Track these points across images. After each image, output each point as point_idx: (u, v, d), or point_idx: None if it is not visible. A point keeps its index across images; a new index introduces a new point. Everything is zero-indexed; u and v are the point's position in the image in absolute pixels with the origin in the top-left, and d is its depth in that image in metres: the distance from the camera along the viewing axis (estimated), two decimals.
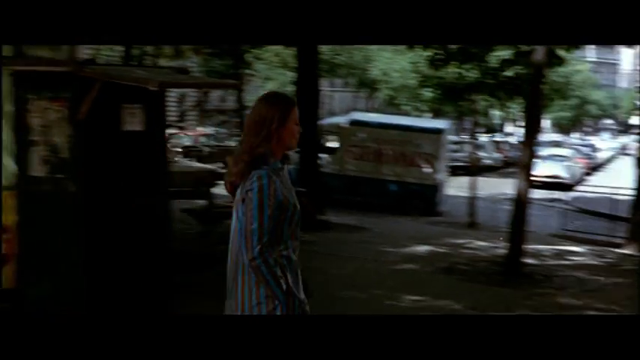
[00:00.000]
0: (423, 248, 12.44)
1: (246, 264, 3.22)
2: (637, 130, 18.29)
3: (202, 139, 30.54)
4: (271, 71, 42.26)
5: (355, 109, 44.75)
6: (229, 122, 49.04)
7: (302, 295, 3.38)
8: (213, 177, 15.64)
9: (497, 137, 47.84)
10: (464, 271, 10.52)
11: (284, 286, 3.24)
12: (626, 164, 37.39)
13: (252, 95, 42.83)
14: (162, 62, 20.11)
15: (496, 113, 50.12)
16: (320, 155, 16.45)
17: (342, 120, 21.72)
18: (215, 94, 48.89)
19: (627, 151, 52.47)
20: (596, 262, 12.40)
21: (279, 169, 3.34)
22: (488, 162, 35.96)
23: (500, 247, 11.24)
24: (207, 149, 28.10)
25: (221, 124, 50.44)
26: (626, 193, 16.09)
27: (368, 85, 47.99)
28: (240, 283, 3.30)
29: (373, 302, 8.18)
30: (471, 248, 13.02)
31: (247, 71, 34.01)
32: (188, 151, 26.26)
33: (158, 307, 6.52)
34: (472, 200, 17.66)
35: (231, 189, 3.35)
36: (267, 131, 3.29)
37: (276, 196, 3.22)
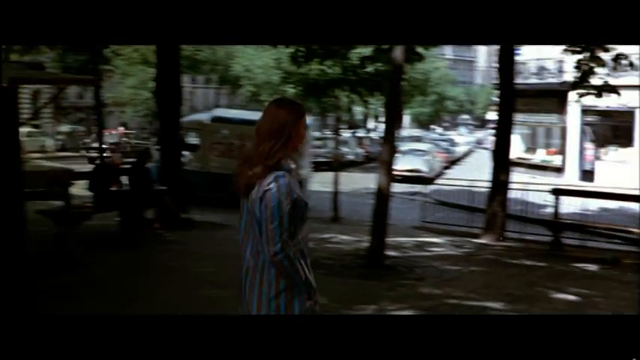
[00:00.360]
0: None
1: (267, 259, 3.42)
2: (492, 125, 18.99)
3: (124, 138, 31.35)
4: (131, 67, 41.30)
5: (218, 106, 44.31)
6: (87, 120, 47.52)
7: (315, 284, 3.61)
8: (68, 177, 15.07)
9: (360, 133, 48.75)
10: (328, 265, 10.57)
11: (303, 277, 3.50)
12: (482, 157, 38.98)
13: (110, 92, 41.98)
14: (14, 57, 19.22)
15: (358, 109, 51.04)
16: (182, 152, 16.16)
17: (204, 117, 21.47)
18: (72, 91, 47.22)
19: (483, 145, 54.71)
20: (455, 252, 12.79)
21: (290, 169, 3.55)
22: (350, 157, 36.58)
23: (364, 241, 11.38)
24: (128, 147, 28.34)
25: (78, 121, 48.81)
26: (483, 185, 16.70)
27: (231, 81, 47.77)
28: (259, 278, 3.51)
29: (235, 300, 8.06)
30: (334, 242, 13.13)
31: (106, 67, 33.06)
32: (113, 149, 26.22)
33: (16, 309, 6.19)
34: (335, 195, 17.85)
35: (246, 189, 3.52)
36: (286, 136, 3.50)
37: (291, 195, 3.43)
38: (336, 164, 19.45)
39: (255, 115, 18.92)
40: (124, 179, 13.10)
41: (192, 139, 19.75)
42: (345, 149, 33.92)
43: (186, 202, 14.71)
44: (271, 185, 3.40)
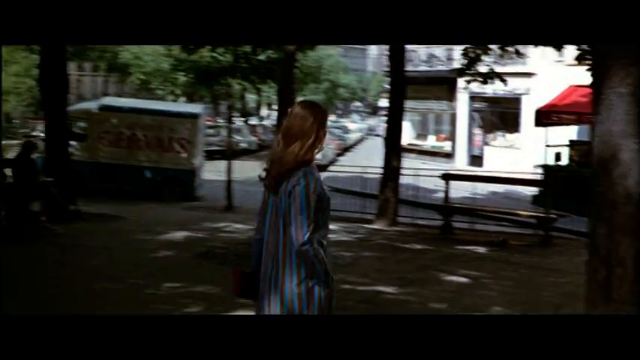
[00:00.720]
0: (180, 234, 12.24)
1: (293, 248, 3.64)
2: (384, 112, 19.25)
3: None
4: (14, 54, 39.73)
5: (106, 94, 43.16)
6: None
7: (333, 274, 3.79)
8: None
9: (253, 121, 48.56)
10: (221, 254, 10.47)
11: (325, 267, 3.68)
12: (374, 144, 39.51)
13: None
14: None
15: (251, 97, 50.83)
16: (69, 142, 15.65)
17: (92, 105, 20.88)
18: None
19: (375, 132, 55.49)
20: (348, 238, 12.88)
21: (314, 166, 3.80)
22: (244, 145, 36.40)
23: None
24: None
25: None
26: (375, 171, 16.90)
27: (119, 69, 46.61)
28: (282, 268, 3.71)
29: (131, 292, 7.87)
30: (228, 232, 13.02)
31: None
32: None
33: None
34: (229, 184, 17.71)
35: (275, 186, 3.74)
36: (315, 135, 3.75)
37: (317, 190, 3.67)
38: (229, 152, 19.28)
39: (146, 104, 18.53)
40: (8, 171, 12.61)
41: (80, 129, 19.18)
42: (238, 137, 33.75)
43: (74, 193, 14.27)
44: (301, 181, 3.64)
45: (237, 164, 19.69)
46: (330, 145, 36.53)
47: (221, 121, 36.50)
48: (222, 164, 19.36)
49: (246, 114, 50.09)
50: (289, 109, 3.92)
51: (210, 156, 24.88)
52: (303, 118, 3.76)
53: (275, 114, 10.64)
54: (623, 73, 5.03)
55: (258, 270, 3.89)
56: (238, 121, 38.72)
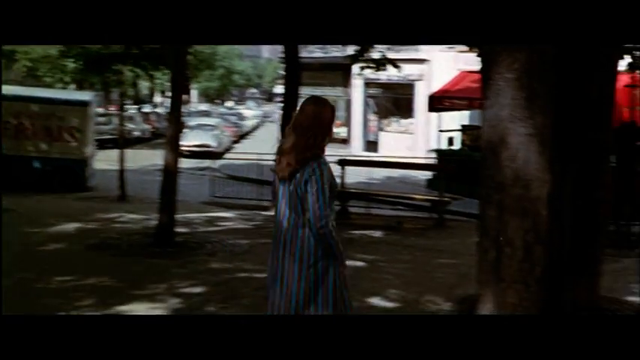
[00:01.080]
0: (71, 226, 11.88)
1: (310, 231, 4.05)
2: (280, 99, 19.22)
3: None
4: None
5: None
6: None
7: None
8: None
9: (146, 108, 47.61)
10: (116, 245, 10.23)
11: (339, 245, 4.13)
12: (270, 131, 39.47)
13: None
14: None
15: (143, 84, 49.84)
16: None
17: None
18: None
19: (271, 119, 55.42)
20: (245, 226, 12.84)
21: (324, 157, 4.18)
22: (137, 134, 35.71)
23: (153, 219, 11.11)
24: None
25: None
26: (272, 158, 16.83)
27: (4, 55, 44.76)
28: (299, 249, 4.12)
29: (20, 287, 7.57)
30: (122, 222, 12.72)
31: None
32: None
33: None
34: (121, 173, 17.31)
35: (290, 175, 4.12)
36: (326, 130, 4.19)
37: (330, 179, 4.10)
38: (122, 141, 18.82)
39: (33, 92, 17.79)
40: None
41: None
42: (130, 125, 33.07)
43: None
44: (316, 171, 4.04)
45: (130, 153, 19.28)
46: (225, 133, 36.28)
47: (113, 108, 35.63)
48: (114, 153, 18.89)
49: (139, 101, 49.08)
50: (300, 105, 4.30)
51: (102, 145, 24.27)
52: (316, 114, 4.17)
53: (169, 101, 10.41)
54: (510, 59, 5.16)
55: None
56: (131, 109, 37.92)
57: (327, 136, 4.20)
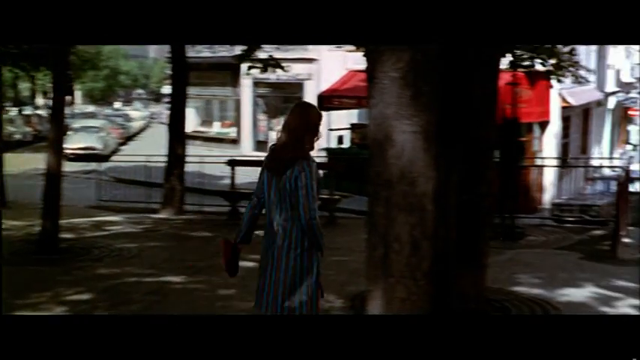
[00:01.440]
0: None
1: (299, 223, 4.54)
2: (167, 99, 18.93)
3: None
4: None
5: None
6: None
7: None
8: None
9: (27, 110, 45.94)
10: None
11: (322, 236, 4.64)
12: (158, 132, 38.82)
13: None
14: None
15: (24, 85, 48.12)
16: None
17: None
18: None
19: (159, 120, 54.55)
20: (134, 229, 12.57)
21: (311, 156, 4.64)
22: (18, 137, 34.52)
23: (36, 225, 10.73)
24: None
25: None
26: (160, 159, 16.58)
27: None
28: (287, 240, 4.62)
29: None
30: (2, 229, 12.20)
31: None
32: None
33: None
34: (1, 178, 16.63)
35: (282, 170, 4.52)
36: (314, 131, 4.67)
37: (317, 176, 4.59)
38: (2, 144, 18.07)
39: None
40: None
41: None
42: (11, 128, 31.92)
43: None
44: (305, 168, 4.47)
45: (11, 157, 18.58)
46: (111, 134, 35.49)
47: None
48: None
49: (19, 103, 47.29)
50: (290, 109, 4.76)
51: None
52: (305, 116, 4.66)
53: (51, 103, 10.06)
54: (394, 58, 5.21)
55: (244, 241, 4.99)
56: (11, 111, 36.56)
57: (314, 136, 4.65)
